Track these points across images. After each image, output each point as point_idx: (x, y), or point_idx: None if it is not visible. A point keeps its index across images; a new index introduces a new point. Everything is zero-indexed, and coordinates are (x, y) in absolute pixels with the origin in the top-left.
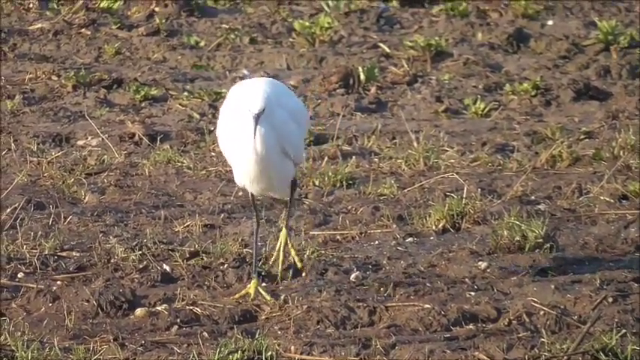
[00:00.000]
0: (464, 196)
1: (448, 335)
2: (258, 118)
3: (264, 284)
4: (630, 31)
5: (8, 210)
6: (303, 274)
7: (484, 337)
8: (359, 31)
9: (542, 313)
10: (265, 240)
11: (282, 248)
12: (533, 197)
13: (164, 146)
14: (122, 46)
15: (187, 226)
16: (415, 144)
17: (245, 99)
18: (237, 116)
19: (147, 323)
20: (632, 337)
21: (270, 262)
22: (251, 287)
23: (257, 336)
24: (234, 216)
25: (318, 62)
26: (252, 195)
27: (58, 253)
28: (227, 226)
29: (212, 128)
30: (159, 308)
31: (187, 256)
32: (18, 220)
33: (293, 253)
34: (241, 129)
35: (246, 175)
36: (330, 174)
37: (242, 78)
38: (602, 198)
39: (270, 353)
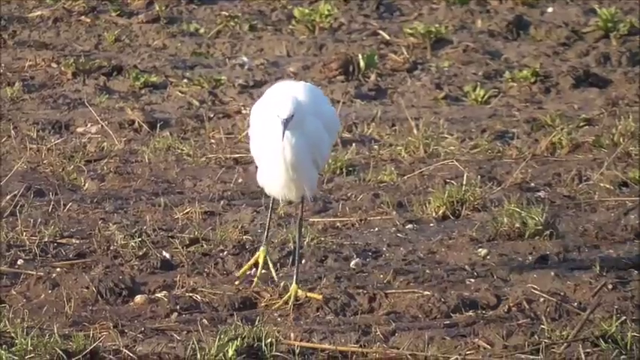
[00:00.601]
0: (464, 183)
1: (448, 322)
2: (286, 123)
3: (263, 271)
4: (630, 18)
5: (8, 197)
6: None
7: (484, 324)
8: (359, 18)
9: (542, 300)
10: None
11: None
12: (532, 184)
13: (164, 133)
14: (122, 33)
15: (187, 213)
16: (415, 131)
17: (275, 103)
18: (268, 120)
19: (146, 310)
20: (632, 324)
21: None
22: (260, 256)
23: (257, 323)
24: (233, 203)
25: (318, 49)
26: (272, 200)
27: (58, 240)
28: (227, 213)
29: (211, 115)
30: (158, 295)
31: (187, 243)
32: (18, 207)
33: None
34: (271, 133)
35: (273, 180)
36: (329, 161)
37: (241, 65)
38: (601, 185)
39: (269, 340)
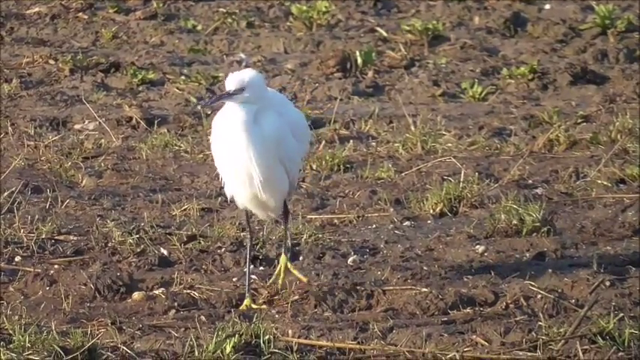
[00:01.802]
0: (461, 179)
1: (445, 319)
2: (230, 96)
3: (261, 268)
4: (628, 15)
5: (5, 194)
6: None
7: (481, 321)
8: (356, 15)
9: (539, 296)
10: (263, 224)
11: (282, 270)
12: (530, 181)
13: (161, 130)
14: (119, 30)
15: (185, 209)
16: (412, 128)
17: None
18: (224, 118)
19: (144, 307)
20: (630, 321)
21: (268, 284)
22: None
23: (254, 320)
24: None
25: (316, 46)
26: (246, 213)
27: (56, 237)
28: (224, 209)
29: (209, 112)
30: (156, 292)
31: (185, 239)
32: (15, 204)
33: (295, 272)
34: (229, 123)
35: (238, 175)
36: (327, 158)
37: (239, 62)
38: (599, 182)
39: (267, 337)
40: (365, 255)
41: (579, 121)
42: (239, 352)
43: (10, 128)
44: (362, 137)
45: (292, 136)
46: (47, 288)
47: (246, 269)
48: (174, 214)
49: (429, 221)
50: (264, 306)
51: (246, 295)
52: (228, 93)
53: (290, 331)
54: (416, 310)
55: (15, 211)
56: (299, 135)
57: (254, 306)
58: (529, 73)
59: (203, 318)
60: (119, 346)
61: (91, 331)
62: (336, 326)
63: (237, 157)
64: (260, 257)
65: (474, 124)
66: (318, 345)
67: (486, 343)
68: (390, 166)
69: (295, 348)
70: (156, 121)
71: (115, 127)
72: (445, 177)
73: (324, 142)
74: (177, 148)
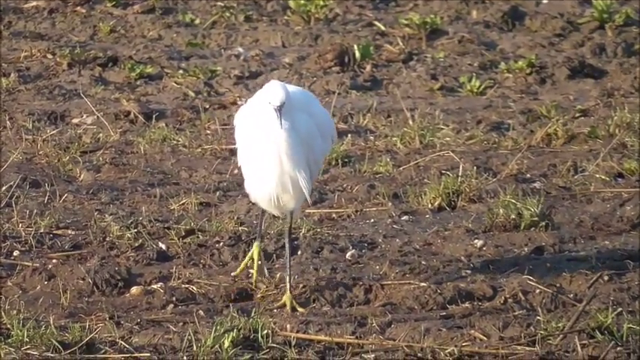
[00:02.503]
0: (459, 174)
1: (444, 313)
2: (280, 109)
3: (259, 262)
4: (625, 9)
5: (3, 188)
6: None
7: (480, 316)
8: (354, 8)
9: (537, 291)
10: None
11: (249, 258)
12: (528, 175)
13: (159, 124)
14: (117, 24)
15: (183, 204)
16: (410, 122)
17: (265, 94)
18: (258, 115)
19: (142, 302)
20: (628, 315)
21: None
22: (254, 251)
23: (253, 314)
24: (229, 194)
25: (314, 40)
26: (262, 213)
27: (54, 232)
28: (222, 204)
29: (207, 106)
30: (154, 286)
31: (183, 234)
32: (13, 199)
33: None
34: (263, 127)
35: (267, 180)
36: None
37: (237, 56)
38: (597, 176)
39: (265, 331)
40: (363, 249)
41: (577, 115)
42: (237, 346)
43: (8, 122)
44: (360, 131)
45: (320, 137)
46: (45, 282)
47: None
48: (172, 208)
49: (427, 215)
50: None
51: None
52: (279, 108)
53: (288, 326)
54: (414, 305)
55: (13, 205)
56: (325, 135)
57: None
58: (527, 67)
59: (201, 312)
60: (117, 340)
61: (89, 325)
62: (335, 321)
63: (269, 157)
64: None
65: (472, 119)
66: (316, 340)
67: (485, 338)
68: (388, 160)
69: (293, 343)
70: (154, 116)
71: (113, 122)
72: (443, 171)
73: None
74: (175, 142)
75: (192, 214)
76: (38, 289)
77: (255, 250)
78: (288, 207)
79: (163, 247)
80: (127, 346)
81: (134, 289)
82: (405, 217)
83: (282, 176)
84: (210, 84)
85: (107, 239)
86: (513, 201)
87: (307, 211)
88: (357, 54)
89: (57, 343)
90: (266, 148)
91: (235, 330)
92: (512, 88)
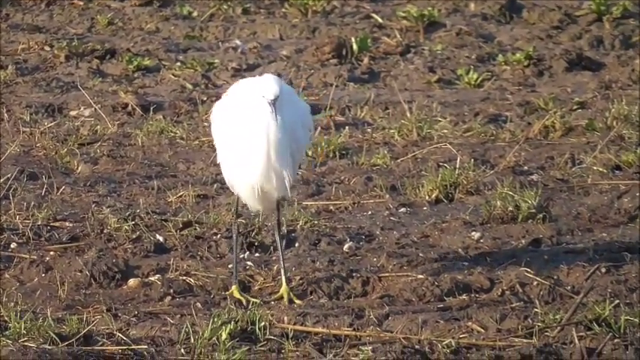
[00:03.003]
0: (457, 166)
1: (441, 305)
2: (274, 103)
3: (257, 254)
4: (623, 1)
5: (1, 180)
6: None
7: (477, 308)
8: (352, 1)
9: (535, 283)
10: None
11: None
12: (526, 167)
13: (157, 116)
14: (115, 16)
15: (180, 196)
16: (408, 114)
17: (257, 86)
18: (248, 107)
19: (140, 294)
20: (625, 308)
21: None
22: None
23: (250, 306)
24: (226, 186)
25: (311, 32)
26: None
27: (51, 224)
28: (220, 196)
29: (204, 98)
30: (152, 278)
31: (180, 226)
32: (11, 191)
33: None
34: (255, 118)
35: (252, 168)
36: (323, 144)
37: (235, 48)
38: (595, 168)
39: (263, 324)
40: (361, 242)
41: (575, 107)
42: (235, 338)
43: (5, 115)
44: (357, 124)
45: (301, 127)
46: (43, 275)
47: (240, 256)
48: (169, 200)
49: (424, 208)
50: (253, 299)
51: (234, 282)
52: (273, 102)
53: (285, 318)
54: (411, 297)
55: (11, 197)
56: (306, 126)
57: (238, 296)
58: (525, 59)
59: (199, 304)
60: (115, 332)
61: (86, 317)
62: (332, 313)
63: (258, 149)
64: (255, 244)
65: (469, 111)
66: (313, 332)
67: (482, 330)
68: (386, 152)
69: (291, 335)
70: (151, 108)
71: (110, 114)
72: (441, 163)
73: (319, 128)
74: (172, 134)
75: (190, 207)
76: (36, 281)
77: (234, 291)
78: (270, 198)
79: (161, 239)
80: (125, 338)
81: (131, 281)
82: (402, 210)
83: (268, 168)
84: (208, 76)
85: (104, 231)
86: (511, 193)
87: (305, 203)
88: (355, 46)
89: (54, 335)
90: (254, 142)
91: (233, 322)
92: (510, 80)
